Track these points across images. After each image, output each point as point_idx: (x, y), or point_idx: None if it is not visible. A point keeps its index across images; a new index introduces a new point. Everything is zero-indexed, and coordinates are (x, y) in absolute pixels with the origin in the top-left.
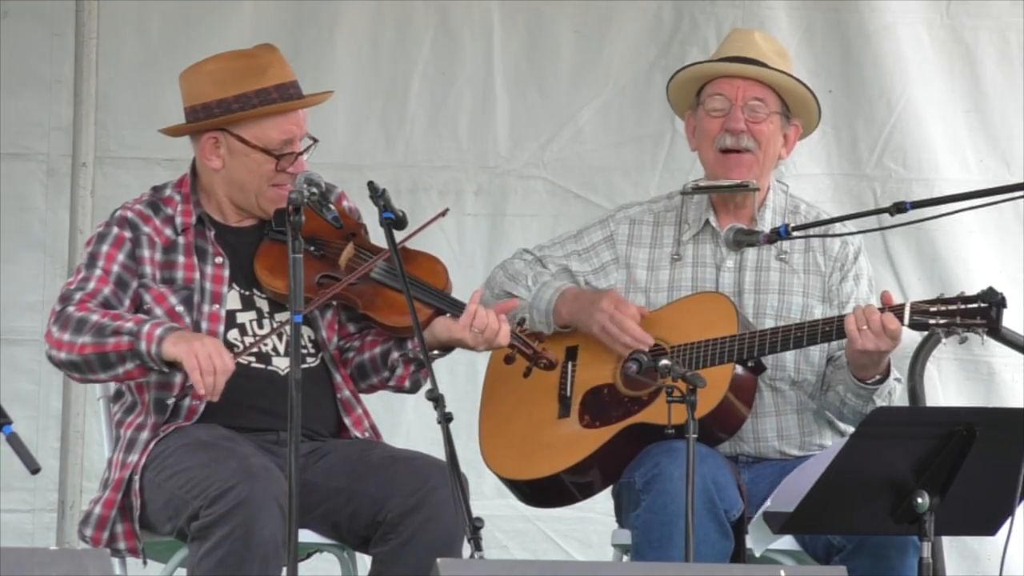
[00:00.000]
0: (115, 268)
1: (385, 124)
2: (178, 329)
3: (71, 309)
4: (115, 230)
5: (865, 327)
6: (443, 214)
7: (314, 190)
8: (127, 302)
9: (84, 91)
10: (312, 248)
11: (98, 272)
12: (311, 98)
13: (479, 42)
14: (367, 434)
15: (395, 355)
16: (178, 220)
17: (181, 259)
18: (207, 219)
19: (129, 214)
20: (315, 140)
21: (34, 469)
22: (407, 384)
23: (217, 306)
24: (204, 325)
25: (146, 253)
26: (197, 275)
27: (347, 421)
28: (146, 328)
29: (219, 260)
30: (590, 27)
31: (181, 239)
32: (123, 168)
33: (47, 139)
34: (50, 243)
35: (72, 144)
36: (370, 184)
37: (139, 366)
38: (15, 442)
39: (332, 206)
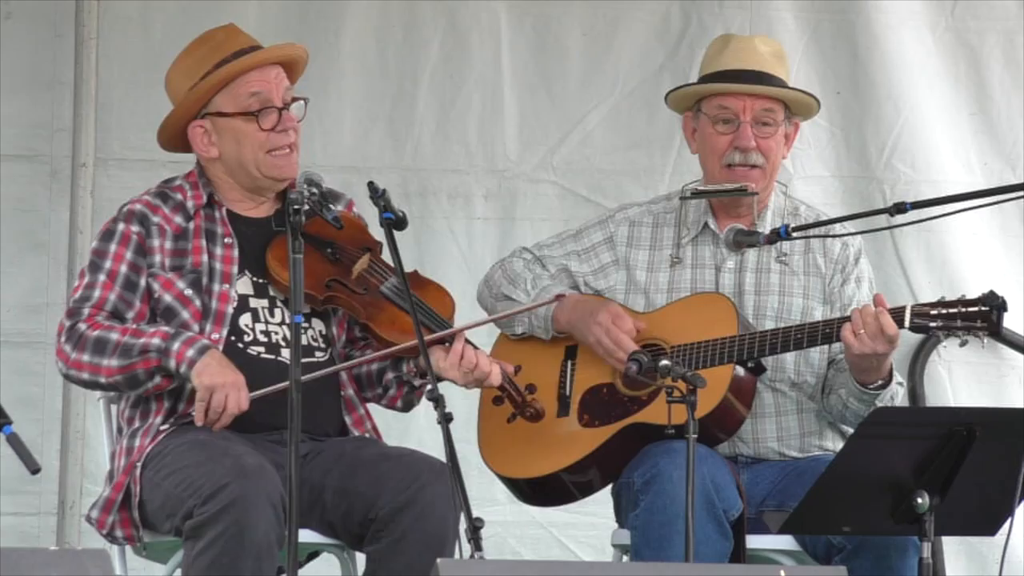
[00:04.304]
0: (122, 269)
1: (393, 127)
2: (208, 350)
3: (83, 327)
4: (121, 226)
5: (862, 331)
6: None
7: (314, 190)
8: (137, 303)
9: (84, 91)
10: (329, 251)
11: (102, 278)
12: (270, 50)
13: (487, 45)
14: (368, 435)
15: (389, 375)
16: (189, 204)
17: (191, 244)
18: (216, 203)
19: (137, 206)
20: (304, 99)
21: (34, 469)
22: (399, 404)
23: (227, 285)
24: (213, 304)
25: (156, 242)
26: (206, 257)
27: (347, 420)
28: (176, 346)
29: (228, 240)
30: (598, 29)
31: (191, 224)
32: (126, 169)
33: (50, 141)
34: (53, 245)
35: (72, 144)
36: (370, 184)
37: (167, 377)
38: (15, 442)
39: (332, 206)
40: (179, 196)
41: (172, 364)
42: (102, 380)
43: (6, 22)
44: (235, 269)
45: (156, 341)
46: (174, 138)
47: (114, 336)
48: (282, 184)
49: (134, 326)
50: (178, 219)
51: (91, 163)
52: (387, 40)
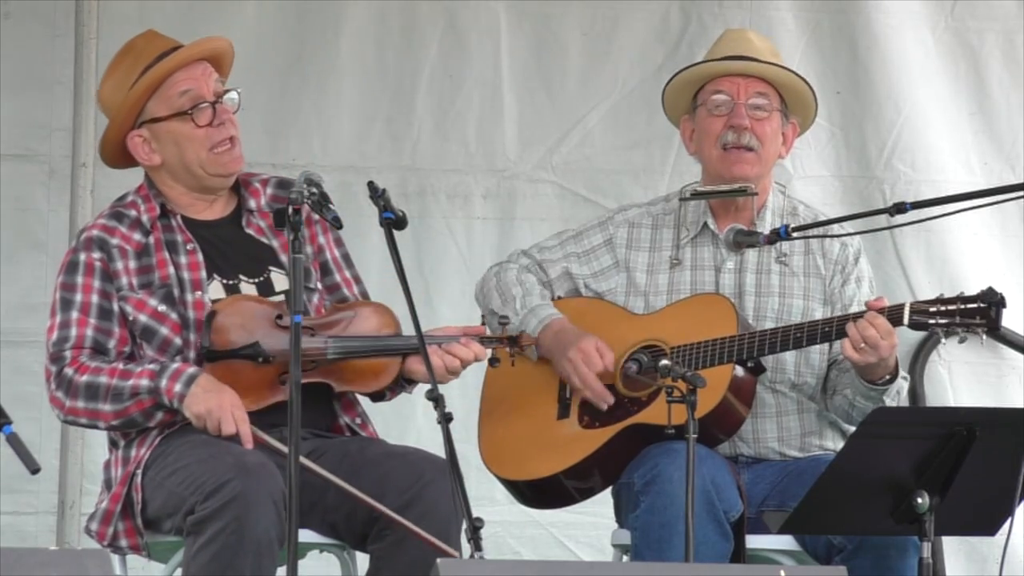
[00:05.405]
0: (93, 299)
1: (392, 127)
2: (194, 380)
3: (69, 372)
4: (83, 256)
5: (863, 345)
6: None
7: (314, 190)
8: (116, 329)
9: (84, 91)
10: (260, 359)
11: (75, 314)
12: (192, 46)
13: (486, 44)
14: (358, 420)
15: None
16: (144, 218)
17: (154, 259)
18: (171, 212)
19: (95, 232)
20: (236, 90)
21: (34, 469)
22: (393, 398)
23: (199, 292)
24: (191, 314)
25: (120, 265)
26: (171, 269)
27: (336, 406)
28: (164, 384)
29: (190, 247)
30: (597, 29)
31: (151, 239)
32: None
33: (49, 140)
34: (52, 244)
35: (72, 144)
36: (370, 184)
37: (168, 411)
38: (15, 442)
39: (332, 206)
40: (133, 212)
41: (166, 401)
42: (101, 424)
43: (6, 22)
44: (203, 275)
45: (145, 382)
46: (116, 153)
47: (103, 380)
48: (230, 180)
49: (121, 365)
50: (137, 236)
51: (91, 163)
52: (386, 40)
